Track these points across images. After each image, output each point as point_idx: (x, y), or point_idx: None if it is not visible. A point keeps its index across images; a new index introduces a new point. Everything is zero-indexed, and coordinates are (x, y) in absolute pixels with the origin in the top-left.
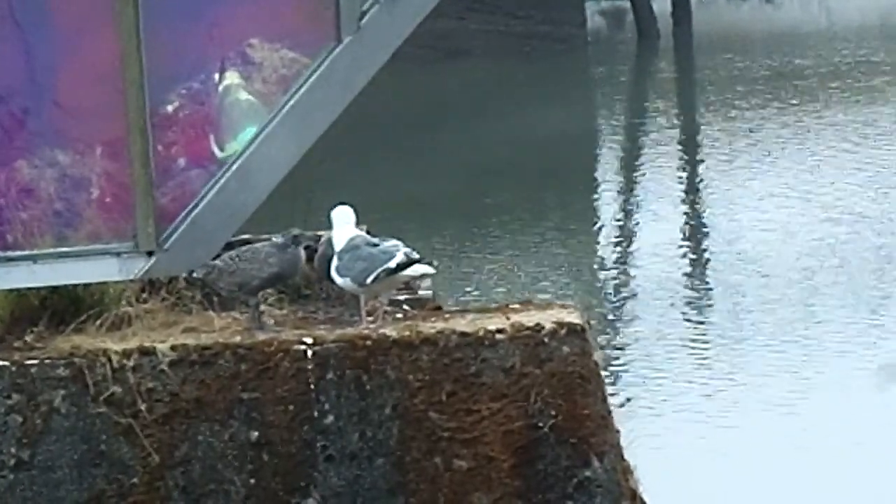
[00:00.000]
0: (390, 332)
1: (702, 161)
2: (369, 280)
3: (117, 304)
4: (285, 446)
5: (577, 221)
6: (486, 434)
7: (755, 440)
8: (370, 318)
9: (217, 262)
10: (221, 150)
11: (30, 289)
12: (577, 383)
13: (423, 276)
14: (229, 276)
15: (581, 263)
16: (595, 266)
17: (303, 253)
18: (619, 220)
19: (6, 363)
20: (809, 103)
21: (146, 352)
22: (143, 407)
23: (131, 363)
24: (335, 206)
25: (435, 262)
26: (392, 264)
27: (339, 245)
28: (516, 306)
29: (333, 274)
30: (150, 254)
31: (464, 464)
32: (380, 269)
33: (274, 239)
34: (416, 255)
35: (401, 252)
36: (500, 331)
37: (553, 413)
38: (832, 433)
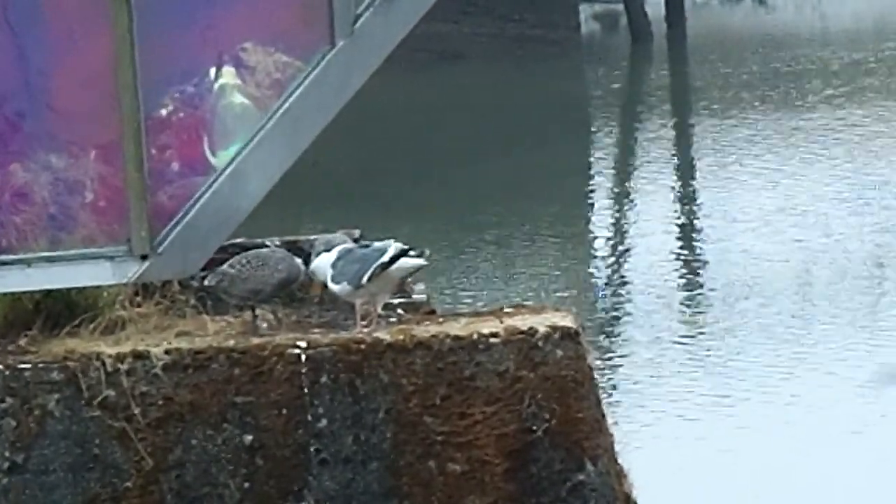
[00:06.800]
0: (384, 335)
1: (696, 165)
2: (365, 279)
3: (111, 308)
4: (279, 450)
5: (571, 225)
6: (480, 438)
7: (751, 443)
8: (364, 322)
9: (227, 269)
10: (214, 155)
11: (24, 292)
12: (571, 387)
13: (418, 268)
14: (242, 283)
15: (575, 267)
16: (589, 270)
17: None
18: (613, 224)
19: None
20: (803, 106)
21: (140, 355)
22: (136, 411)
23: (125, 367)
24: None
25: (427, 251)
26: (385, 259)
27: (329, 259)
28: (510, 310)
29: (329, 283)
30: (143, 258)
31: (457, 467)
32: (375, 266)
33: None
34: (408, 249)
35: (392, 247)
36: (493, 335)
37: (547, 417)
38: (829, 436)
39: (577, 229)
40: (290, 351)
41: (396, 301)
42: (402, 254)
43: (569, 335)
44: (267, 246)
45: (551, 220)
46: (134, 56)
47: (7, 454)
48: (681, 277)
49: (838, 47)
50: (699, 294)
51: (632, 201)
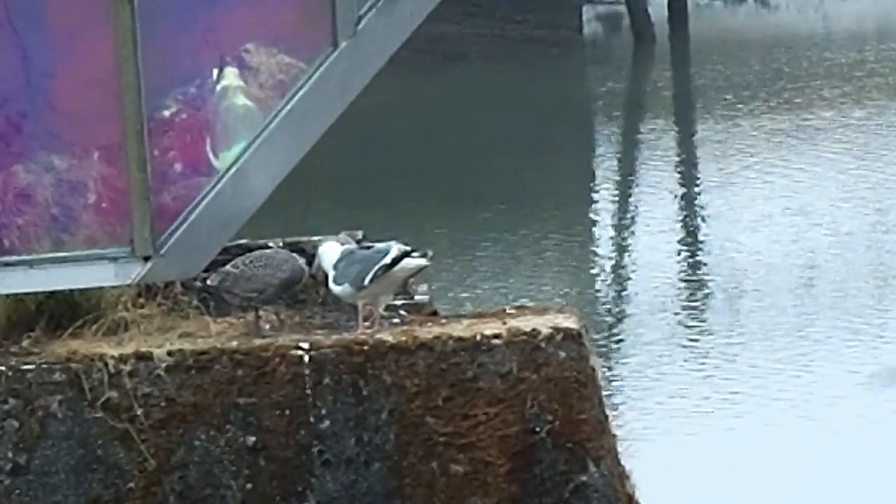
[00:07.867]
0: (387, 337)
1: (698, 165)
2: (367, 280)
3: (114, 309)
4: (282, 451)
5: (574, 226)
6: (483, 439)
7: (752, 444)
8: (367, 323)
9: (230, 268)
10: (216, 156)
11: (26, 294)
12: (574, 388)
13: (420, 269)
14: (245, 282)
15: (578, 268)
16: (592, 271)
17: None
18: (616, 226)
19: (3, 368)
20: (806, 107)
21: (143, 357)
22: (139, 412)
23: (128, 368)
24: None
25: (429, 252)
26: (387, 260)
27: (331, 260)
28: (513, 311)
29: (331, 284)
30: (146, 259)
31: (460, 469)
32: (376, 267)
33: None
34: (410, 250)
35: (394, 248)
36: (496, 336)
37: (550, 418)
38: (833, 436)
39: (579, 230)
40: (292, 352)
41: (399, 302)
42: (405, 255)
43: (571, 336)
44: (270, 247)
45: (554, 220)
46: (137, 57)
47: (10, 455)
48: (684, 278)
49: (841, 48)
50: (702, 295)
51: (634, 202)
